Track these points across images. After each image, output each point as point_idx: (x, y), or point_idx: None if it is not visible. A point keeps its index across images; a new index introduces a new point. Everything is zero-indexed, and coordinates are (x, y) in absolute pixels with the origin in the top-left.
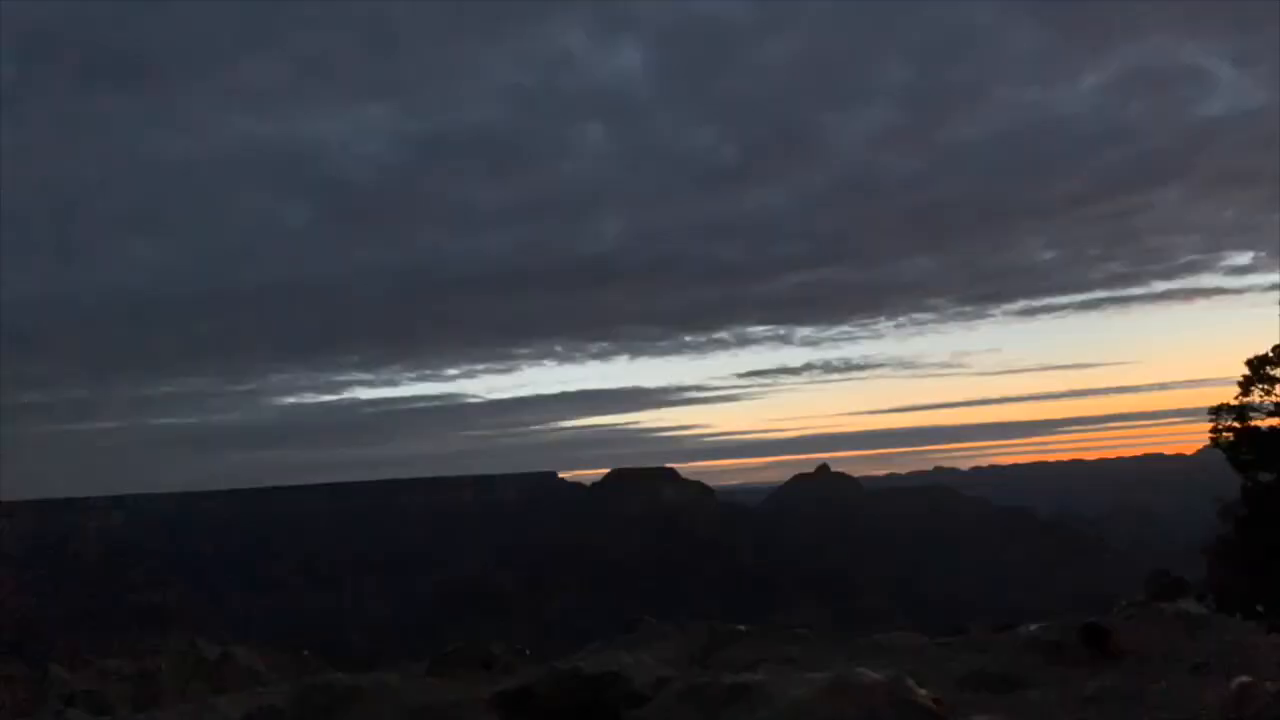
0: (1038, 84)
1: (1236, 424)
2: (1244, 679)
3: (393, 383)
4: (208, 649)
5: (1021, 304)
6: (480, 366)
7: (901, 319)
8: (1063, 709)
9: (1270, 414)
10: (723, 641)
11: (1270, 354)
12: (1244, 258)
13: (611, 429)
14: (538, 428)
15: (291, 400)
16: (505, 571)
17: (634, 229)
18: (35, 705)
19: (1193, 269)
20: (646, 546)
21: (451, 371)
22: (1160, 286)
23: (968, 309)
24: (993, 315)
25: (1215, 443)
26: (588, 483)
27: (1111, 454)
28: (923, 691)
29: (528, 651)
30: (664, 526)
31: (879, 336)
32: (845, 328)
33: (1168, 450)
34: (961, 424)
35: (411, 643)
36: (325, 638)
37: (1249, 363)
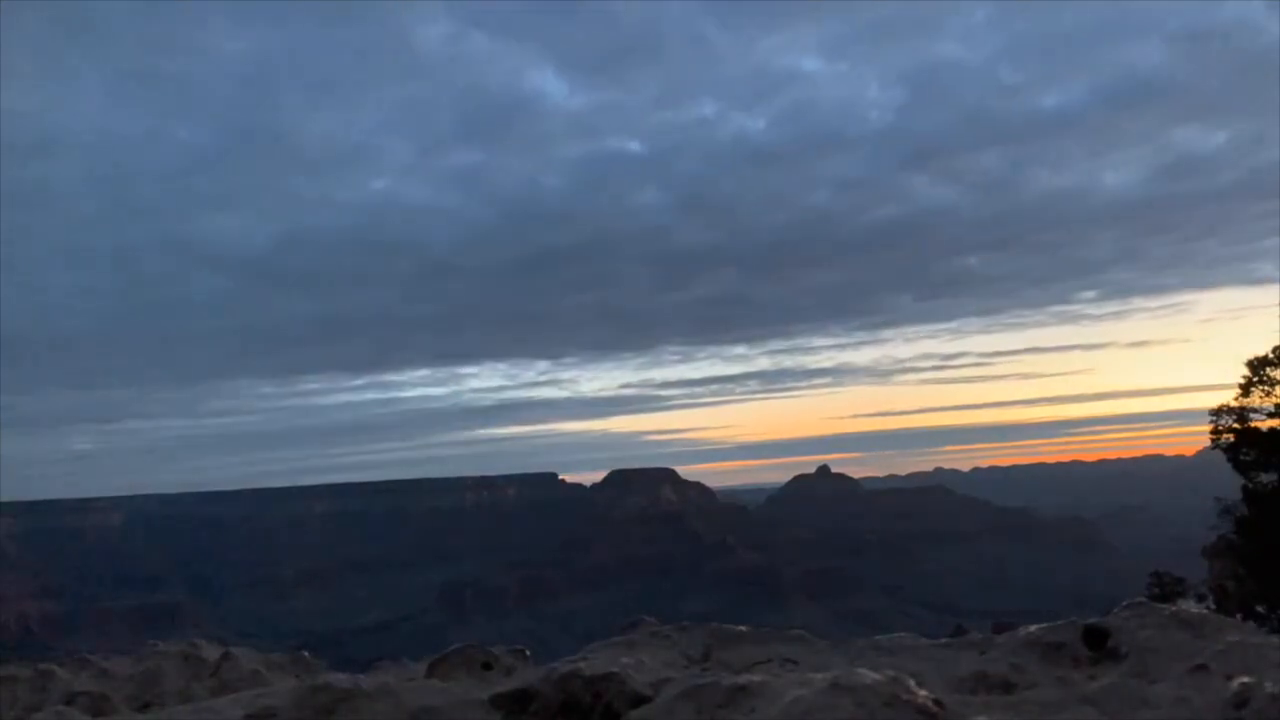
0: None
1: (1237, 425)
2: (1244, 679)
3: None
4: (208, 649)
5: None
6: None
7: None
8: (1063, 709)
9: (1270, 415)
10: (723, 642)
11: (1270, 355)
12: (1090, 293)
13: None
14: (540, 428)
15: (290, 402)
16: (505, 571)
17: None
18: (35, 705)
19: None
20: (646, 546)
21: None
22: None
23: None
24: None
25: (1215, 444)
26: (588, 483)
27: (1111, 455)
28: (923, 693)
29: (528, 652)
30: (664, 526)
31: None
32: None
33: (1168, 451)
34: (958, 425)
35: (411, 643)
36: (325, 638)
37: (1249, 363)
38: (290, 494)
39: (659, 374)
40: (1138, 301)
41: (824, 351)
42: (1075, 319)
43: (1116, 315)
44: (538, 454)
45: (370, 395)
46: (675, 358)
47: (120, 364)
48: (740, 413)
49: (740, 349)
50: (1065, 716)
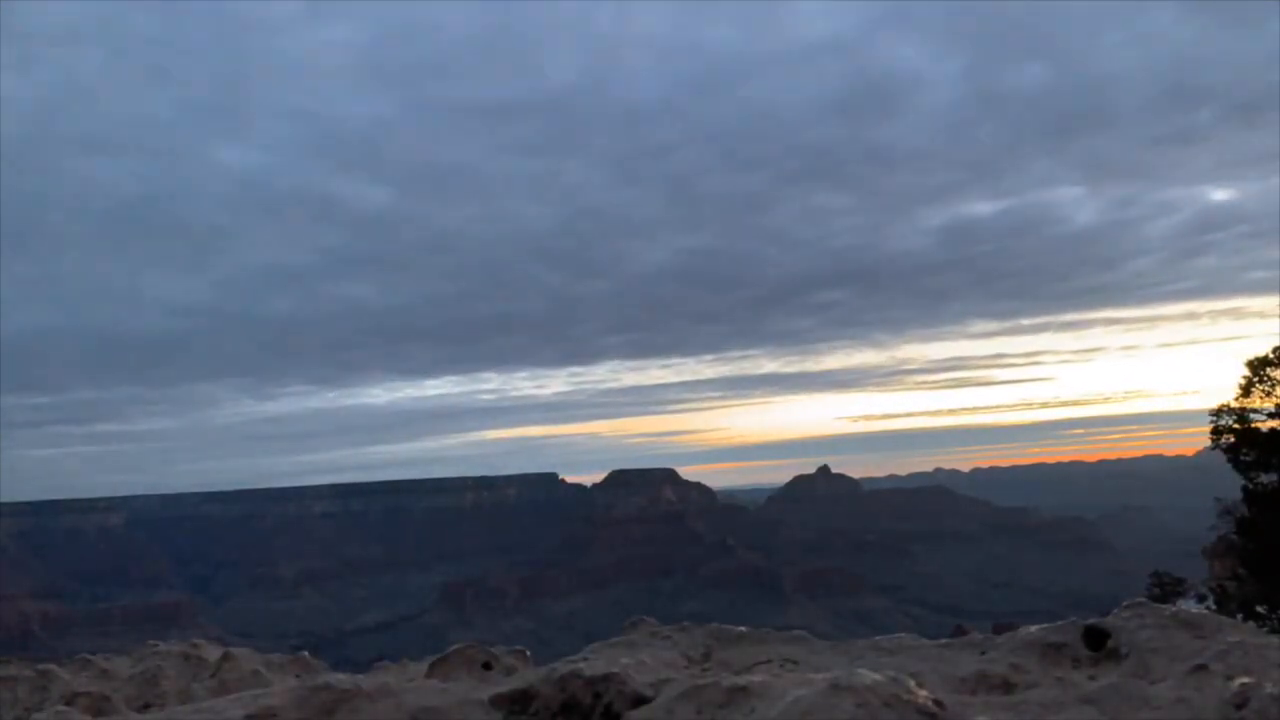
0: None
1: (1237, 425)
2: (1244, 679)
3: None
4: (208, 649)
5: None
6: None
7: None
8: (1063, 709)
9: (1271, 415)
10: (723, 642)
11: (1271, 355)
12: (990, 325)
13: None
14: (540, 429)
15: (290, 403)
16: (505, 571)
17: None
18: (36, 705)
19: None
20: (646, 546)
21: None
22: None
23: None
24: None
25: (1215, 444)
26: (588, 483)
27: (1111, 454)
28: (923, 693)
29: (528, 652)
30: (664, 526)
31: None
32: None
33: (1168, 451)
34: (957, 426)
35: (411, 643)
36: (325, 638)
37: (1249, 364)
38: (290, 494)
39: (617, 380)
40: (1026, 321)
41: (766, 364)
42: (987, 335)
43: (1018, 330)
44: (538, 454)
45: (348, 401)
46: (628, 368)
47: (120, 366)
48: (740, 414)
49: (689, 361)
50: (1065, 716)
